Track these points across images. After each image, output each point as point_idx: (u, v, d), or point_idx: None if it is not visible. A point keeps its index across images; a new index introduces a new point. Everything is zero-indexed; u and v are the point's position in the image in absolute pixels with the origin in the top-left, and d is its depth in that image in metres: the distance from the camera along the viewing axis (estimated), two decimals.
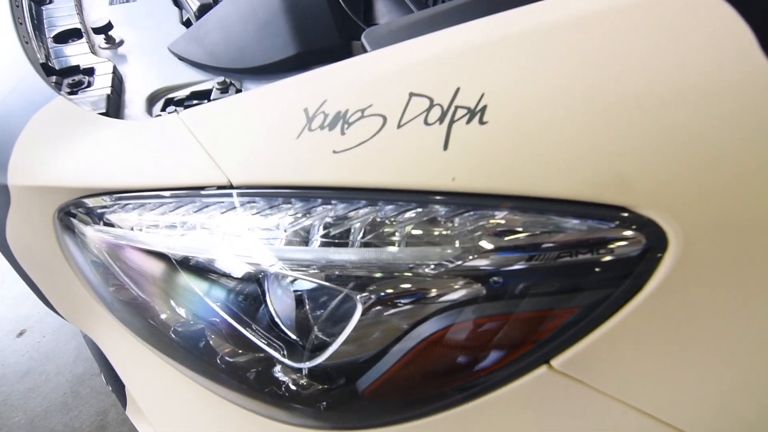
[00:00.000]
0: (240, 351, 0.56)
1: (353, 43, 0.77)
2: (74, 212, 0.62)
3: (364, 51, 0.69)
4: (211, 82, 0.75)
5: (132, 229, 0.56)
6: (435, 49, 0.47)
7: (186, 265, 0.55)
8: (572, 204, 0.37)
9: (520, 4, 0.51)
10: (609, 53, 0.41)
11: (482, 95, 0.41)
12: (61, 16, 0.91)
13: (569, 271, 0.38)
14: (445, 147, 0.40)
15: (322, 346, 0.49)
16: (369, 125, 0.43)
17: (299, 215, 0.43)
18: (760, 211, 0.35)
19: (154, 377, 0.67)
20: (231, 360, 0.57)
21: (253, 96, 0.54)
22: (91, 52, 0.82)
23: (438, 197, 0.39)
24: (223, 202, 0.47)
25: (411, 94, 0.43)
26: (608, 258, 0.37)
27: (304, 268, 0.44)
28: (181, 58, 0.81)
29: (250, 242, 0.46)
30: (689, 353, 0.37)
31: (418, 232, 0.40)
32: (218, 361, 0.58)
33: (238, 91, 0.73)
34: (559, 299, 0.39)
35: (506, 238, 0.39)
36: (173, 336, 0.60)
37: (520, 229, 0.38)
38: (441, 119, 0.41)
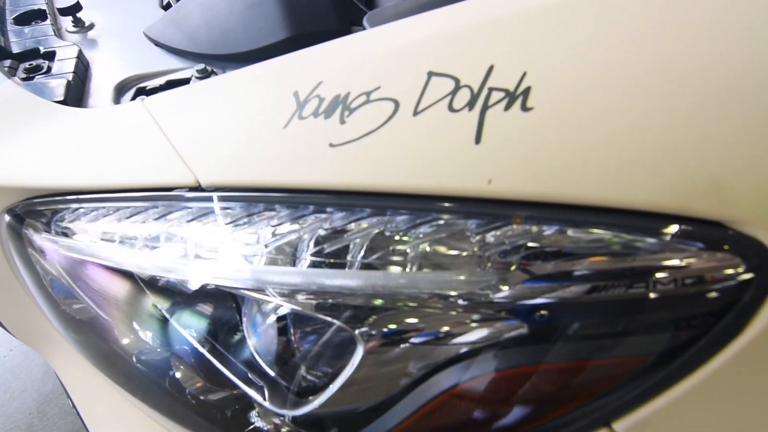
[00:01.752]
0: (212, 387, 0.47)
1: (353, 28, 0.68)
2: (22, 215, 0.52)
3: None
4: (190, 70, 0.66)
5: (87, 239, 0.46)
6: (460, 18, 0.38)
7: (150, 283, 0.45)
8: (647, 217, 0.28)
9: None
10: (699, 15, 0.32)
11: (524, 74, 0.32)
12: None
13: (642, 307, 0.29)
14: (477, 140, 0.30)
15: (312, 389, 0.39)
16: (376, 112, 0.33)
17: (285, 226, 0.34)
18: None
19: (113, 415, 0.56)
20: (202, 398, 0.47)
21: (231, 78, 0.44)
22: (56, 35, 0.72)
23: (467, 205, 0.30)
24: (190, 208, 0.38)
25: (431, 74, 0.34)
26: (695, 290, 0.28)
27: (289, 294, 0.34)
28: (157, 44, 0.71)
29: (221, 258, 0.37)
30: None
31: (440, 250, 0.31)
32: (187, 397, 0.48)
33: None
34: (626, 343, 0.29)
35: (557, 261, 0.29)
36: (135, 366, 0.50)
37: (576, 250, 0.29)
38: (471, 104, 0.32)
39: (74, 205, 0.47)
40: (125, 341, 0.51)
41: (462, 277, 0.30)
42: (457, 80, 0.33)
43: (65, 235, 0.49)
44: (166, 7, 0.82)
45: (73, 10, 0.73)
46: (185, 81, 0.64)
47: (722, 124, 0.28)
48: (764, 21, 0.30)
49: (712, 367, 0.28)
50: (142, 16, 0.78)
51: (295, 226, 0.33)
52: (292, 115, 0.36)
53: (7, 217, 0.53)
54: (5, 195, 0.52)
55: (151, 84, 0.64)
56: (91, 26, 0.76)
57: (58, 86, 0.59)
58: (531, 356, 0.30)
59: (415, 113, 0.33)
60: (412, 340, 0.32)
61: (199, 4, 0.70)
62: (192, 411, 0.48)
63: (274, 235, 0.34)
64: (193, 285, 0.41)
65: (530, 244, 0.29)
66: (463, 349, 0.31)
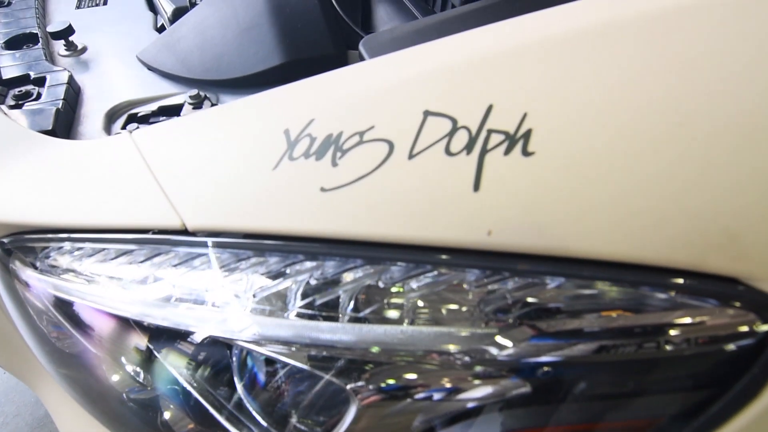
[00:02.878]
0: (204, 430, 0.45)
1: (350, 52, 0.66)
2: (10, 249, 0.51)
3: (361, 58, 0.58)
4: (182, 96, 0.64)
5: (72, 278, 0.45)
6: (458, 54, 0.36)
7: (138, 322, 0.43)
8: (658, 272, 0.26)
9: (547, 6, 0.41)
10: (710, 57, 0.30)
11: (524, 116, 0.30)
12: (19, 19, 0.80)
13: (652, 367, 0.27)
14: (476, 187, 0.29)
15: None
16: (370, 154, 0.32)
17: (274, 275, 0.32)
18: None
19: None
20: None
21: (220, 113, 0.42)
22: (47, 60, 0.70)
23: (466, 257, 0.28)
24: (177, 252, 0.36)
25: (427, 113, 0.32)
26: (710, 349, 0.26)
27: (279, 346, 0.32)
28: (150, 68, 0.70)
29: (209, 306, 0.35)
30: None
31: (437, 304, 0.29)
32: None
33: (214, 105, 0.62)
34: (637, 405, 0.27)
35: (563, 318, 0.27)
36: (124, 404, 0.49)
37: (583, 306, 0.27)
38: (469, 148, 0.30)
39: (60, 243, 0.45)
40: (114, 378, 0.49)
41: (462, 333, 0.28)
42: (454, 120, 0.31)
43: (52, 271, 0.47)
44: (161, 29, 0.80)
45: (65, 33, 0.72)
46: (178, 107, 0.63)
47: (737, 172, 0.26)
48: None
49: (732, 429, 0.26)
50: (136, 39, 0.77)
51: (285, 275, 0.32)
52: (282, 156, 0.34)
53: None
54: None
55: (142, 110, 0.63)
56: (84, 50, 0.74)
57: (46, 115, 0.58)
58: (535, 417, 0.28)
59: (411, 156, 0.31)
60: (409, 396, 0.30)
61: (192, 28, 0.69)
62: None
63: (262, 284, 0.32)
64: (180, 327, 0.39)
65: (533, 300, 0.28)
66: (463, 407, 0.29)
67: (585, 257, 0.27)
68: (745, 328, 0.26)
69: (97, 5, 0.87)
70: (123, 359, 0.47)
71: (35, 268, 0.49)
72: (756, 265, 0.25)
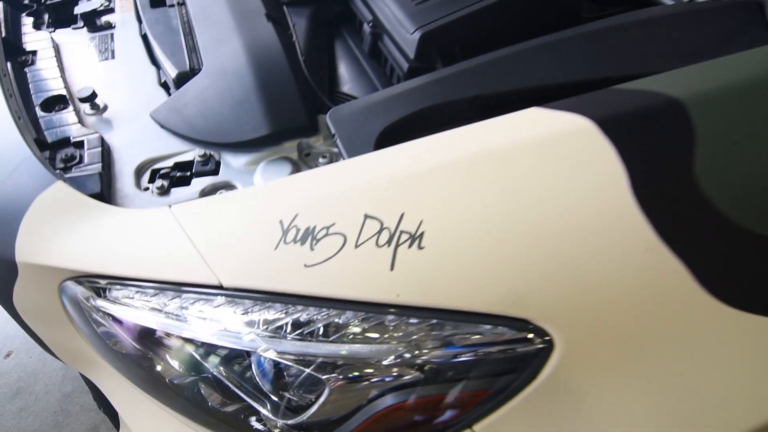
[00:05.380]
0: (228, 401, 0.67)
1: (319, 116, 0.87)
2: (78, 284, 0.71)
3: (329, 130, 0.80)
4: (192, 153, 0.84)
5: (127, 309, 0.66)
6: (385, 169, 0.58)
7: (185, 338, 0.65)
8: (487, 316, 0.50)
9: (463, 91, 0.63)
10: (518, 186, 0.53)
11: (421, 222, 0.53)
12: (45, 79, 0.97)
13: (485, 364, 0.51)
14: (392, 268, 0.52)
15: (296, 407, 0.60)
16: (333, 243, 0.54)
17: (277, 315, 0.55)
18: (619, 326, 0.48)
19: (149, 416, 0.77)
20: (220, 408, 0.68)
21: (237, 198, 0.64)
22: (79, 121, 0.89)
23: (386, 309, 0.51)
24: (214, 300, 0.58)
25: (366, 216, 0.55)
26: (513, 355, 0.50)
27: (283, 354, 0.55)
28: (162, 126, 0.89)
29: (237, 331, 0.57)
30: (571, 424, 0.51)
31: (373, 334, 0.52)
32: (208, 406, 0.68)
33: (218, 163, 0.83)
34: (478, 383, 0.52)
35: (438, 339, 0.51)
36: (169, 386, 0.71)
37: (449, 332, 0.51)
38: (389, 242, 0.53)
39: (118, 286, 0.66)
40: (158, 368, 0.70)
41: (385, 348, 0.52)
42: (381, 222, 0.54)
43: (117, 300, 0.69)
44: (164, 85, 0.99)
45: (91, 98, 0.90)
46: (190, 163, 0.83)
47: (526, 263, 0.50)
48: (559, 191, 0.52)
49: (524, 395, 0.51)
50: (145, 95, 0.95)
51: (284, 315, 0.54)
52: (279, 240, 0.56)
53: (67, 284, 0.72)
54: (63, 272, 0.71)
55: (162, 166, 0.83)
56: (105, 108, 0.93)
57: (93, 178, 0.77)
58: (428, 390, 0.52)
59: (356, 246, 0.53)
60: (357, 382, 0.53)
61: (195, 96, 0.88)
62: (212, 416, 0.69)
63: (271, 320, 0.55)
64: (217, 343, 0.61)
65: (423, 330, 0.51)
66: (388, 387, 0.53)
67: (451, 309, 0.50)
68: (530, 347, 0.50)
69: (106, 59, 1.05)
70: (166, 356, 0.69)
71: (99, 297, 0.70)
72: (533, 313, 0.49)
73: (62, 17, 1.17)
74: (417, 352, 0.51)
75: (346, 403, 0.55)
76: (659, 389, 0.49)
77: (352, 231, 0.54)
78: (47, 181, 0.74)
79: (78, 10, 1.14)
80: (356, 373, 0.54)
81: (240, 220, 0.61)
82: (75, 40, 1.11)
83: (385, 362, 0.52)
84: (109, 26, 1.14)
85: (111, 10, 1.18)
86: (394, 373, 0.53)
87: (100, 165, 0.80)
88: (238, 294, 0.56)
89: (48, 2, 1.18)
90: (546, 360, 0.50)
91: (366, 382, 0.53)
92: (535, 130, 0.57)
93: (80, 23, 1.14)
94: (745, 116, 0.57)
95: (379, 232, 0.53)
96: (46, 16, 1.17)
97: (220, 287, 0.57)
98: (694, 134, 0.55)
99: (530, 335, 0.50)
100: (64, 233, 0.71)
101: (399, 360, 0.52)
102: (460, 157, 0.56)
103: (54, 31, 1.14)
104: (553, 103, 0.60)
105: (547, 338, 0.49)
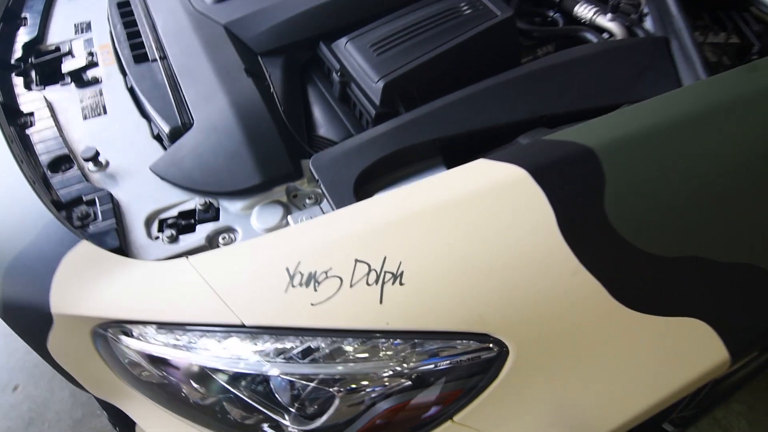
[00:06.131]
0: (247, 414, 0.81)
1: (302, 161, 1.00)
2: (110, 329, 0.83)
3: (312, 175, 0.93)
4: (193, 202, 0.96)
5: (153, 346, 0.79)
6: (367, 220, 0.73)
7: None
8: (456, 333, 0.65)
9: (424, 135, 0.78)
10: (472, 229, 0.68)
11: (400, 263, 0.68)
12: (47, 140, 1.07)
13: (458, 369, 0.66)
14: (381, 302, 0.66)
15: (309, 415, 0.75)
16: (332, 284, 0.68)
17: (291, 344, 0.69)
18: (555, 332, 0.65)
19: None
20: (239, 420, 0.81)
21: (246, 249, 0.77)
22: (85, 179, 1.00)
23: (379, 334, 0.66)
24: (238, 336, 0.72)
25: (356, 261, 0.69)
26: (479, 361, 0.66)
27: (299, 375, 0.70)
28: (163, 178, 1.00)
29: (257, 360, 0.71)
30: (527, 410, 0.67)
31: (369, 354, 0.67)
32: (230, 418, 0.81)
33: (217, 209, 0.95)
34: (454, 384, 0.67)
35: (420, 353, 0.66)
36: (193, 406, 0.84)
37: (428, 348, 0.66)
38: (377, 281, 0.67)
39: (146, 328, 0.79)
40: (185, 391, 0.83)
41: (380, 363, 0.67)
42: (369, 265, 0.68)
43: (145, 339, 0.81)
44: (158, 137, 1.09)
45: (94, 157, 1.01)
46: (192, 211, 0.95)
47: (483, 290, 0.65)
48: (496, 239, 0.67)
49: (489, 390, 0.67)
50: (142, 149, 1.06)
51: (298, 344, 0.69)
52: (288, 284, 0.70)
53: (98, 329, 0.84)
54: (95, 320, 0.82)
55: (168, 215, 0.95)
56: (107, 164, 1.04)
57: (111, 234, 0.89)
58: (415, 393, 0.68)
59: (351, 286, 0.68)
60: (360, 392, 0.68)
61: (191, 150, 1.00)
62: (233, 428, 0.82)
63: (287, 349, 0.69)
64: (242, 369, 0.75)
65: (409, 348, 0.66)
66: (384, 394, 0.68)
67: (428, 330, 0.65)
68: (489, 354, 0.65)
69: (99, 115, 1.15)
70: (191, 382, 0.82)
71: (127, 336, 0.82)
72: (492, 329, 0.65)
73: (49, 74, 1.26)
74: (405, 365, 0.67)
75: (352, 410, 0.70)
76: (586, 376, 0.66)
77: (346, 273, 0.69)
78: (72, 241, 0.86)
79: (65, 68, 1.23)
80: (358, 385, 0.68)
81: (251, 268, 0.75)
82: (65, 97, 1.20)
83: (380, 375, 0.67)
84: (96, 81, 1.23)
85: (95, 64, 1.28)
86: (388, 383, 0.68)
87: (114, 221, 0.92)
88: (259, 330, 0.70)
89: (35, 61, 1.27)
90: (504, 363, 0.66)
91: (366, 392, 0.68)
92: (483, 181, 0.72)
93: (68, 79, 1.23)
94: (643, 159, 0.73)
95: (368, 273, 0.68)
96: (34, 74, 1.26)
97: (243, 326, 0.71)
98: (603, 176, 0.71)
99: (491, 345, 0.65)
100: (95, 286, 0.83)
101: (391, 372, 0.67)
102: (426, 207, 0.71)
103: (44, 88, 1.23)
104: (495, 155, 0.76)
105: (504, 347, 0.65)
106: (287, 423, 0.76)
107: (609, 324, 0.66)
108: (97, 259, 0.84)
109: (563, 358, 0.66)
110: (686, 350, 0.70)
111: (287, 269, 0.71)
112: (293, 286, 0.70)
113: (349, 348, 0.67)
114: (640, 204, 0.71)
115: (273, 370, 0.71)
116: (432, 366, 0.66)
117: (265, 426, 0.79)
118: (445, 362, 0.66)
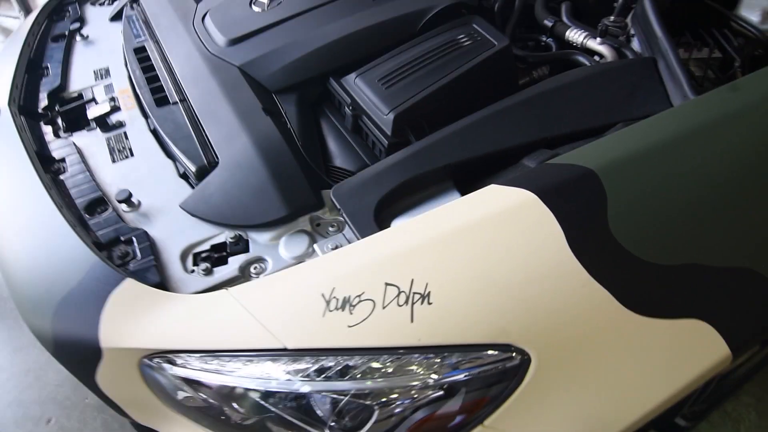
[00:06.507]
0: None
1: (322, 191, 1.07)
2: (156, 359, 0.90)
3: (334, 204, 1.00)
4: (223, 235, 1.03)
5: (209, 372, 0.85)
6: (392, 246, 0.80)
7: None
8: (482, 345, 0.72)
9: (436, 161, 0.86)
10: (490, 250, 0.75)
11: (427, 284, 0.75)
12: (81, 185, 1.14)
13: (485, 378, 0.73)
14: (411, 320, 0.73)
15: (351, 428, 0.81)
16: (365, 307, 0.75)
17: (332, 364, 0.75)
18: (571, 340, 0.72)
19: None
20: None
21: (283, 278, 0.84)
22: (121, 220, 1.07)
23: (412, 350, 0.73)
24: (281, 360, 0.78)
25: (386, 284, 0.76)
26: (504, 369, 0.73)
27: (340, 391, 0.76)
28: (193, 215, 1.07)
29: (299, 380, 0.78)
30: (551, 411, 0.74)
31: (404, 368, 0.74)
32: None
33: (247, 242, 1.02)
34: (482, 392, 0.74)
35: (450, 366, 0.73)
36: (235, 426, 0.90)
37: (456, 360, 0.73)
38: (407, 302, 0.74)
39: (191, 356, 0.85)
40: (226, 412, 0.90)
41: (416, 376, 0.73)
42: (398, 287, 0.75)
43: (189, 366, 0.87)
44: (184, 176, 1.17)
45: (127, 199, 1.08)
46: (223, 244, 1.02)
47: (506, 306, 0.72)
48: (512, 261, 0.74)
49: (515, 396, 0.73)
50: (171, 188, 1.13)
51: (336, 363, 0.75)
52: (324, 309, 0.77)
53: (146, 360, 0.90)
54: (142, 351, 0.89)
55: (201, 249, 1.02)
56: (139, 204, 1.11)
57: (150, 270, 0.96)
58: (448, 402, 0.74)
59: (383, 308, 0.75)
60: (396, 404, 0.75)
61: (218, 188, 1.07)
62: None
63: (327, 367, 0.76)
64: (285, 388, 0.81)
65: (442, 361, 0.73)
66: (419, 404, 0.74)
67: (458, 344, 0.72)
68: (513, 363, 0.72)
69: (126, 157, 1.22)
70: (233, 404, 0.88)
71: (173, 364, 0.89)
72: (513, 339, 0.71)
73: (74, 120, 1.34)
74: (437, 377, 0.73)
75: (390, 421, 0.76)
76: (601, 377, 0.73)
77: (378, 296, 0.75)
78: (117, 279, 0.92)
79: (90, 115, 1.31)
80: (393, 398, 0.75)
81: (288, 296, 0.81)
82: (93, 141, 1.28)
83: (413, 387, 0.74)
84: (121, 125, 1.31)
85: (118, 109, 1.36)
86: (420, 395, 0.74)
87: (152, 258, 0.99)
88: (301, 353, 0.77)
89: (60, 109, 1.34)
90: (527, 370, 0.72)
91: (400, 404, 0.75)
92: (497, 205, 0.80)
93: (93, 125, 1.31)
94: (640, 177, 0.81)
95: (398, 295, 0.75)
96: (60, 121, 1.34)
97: (285, 349, 0.78)
98: (605, 195, 0.78)
99: (513, 354, 0.72)
100: (141, 320, 0.89)
101: (423, 384, 0.74)
102: (446, 231, 0.79)
103: (71, 134, 1.30)
104: (505, 180, 0.83)
105: (526, 355, 0.72)
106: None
107: (619, 328, 0.73)
108: (141, 295, 0.91)
109: (580, 362, 0.73)
110: (690, 348, 0.77)
111: (323, 295, 0.78)
112: (330, 310, 0.77)
113: (383, 364, 0.74)
114: (639, 218, 0.78)
115: (312, 388, 0.77)
116: (461, 376, 0.73)
117: None
118: (473, 372, 0.73)
